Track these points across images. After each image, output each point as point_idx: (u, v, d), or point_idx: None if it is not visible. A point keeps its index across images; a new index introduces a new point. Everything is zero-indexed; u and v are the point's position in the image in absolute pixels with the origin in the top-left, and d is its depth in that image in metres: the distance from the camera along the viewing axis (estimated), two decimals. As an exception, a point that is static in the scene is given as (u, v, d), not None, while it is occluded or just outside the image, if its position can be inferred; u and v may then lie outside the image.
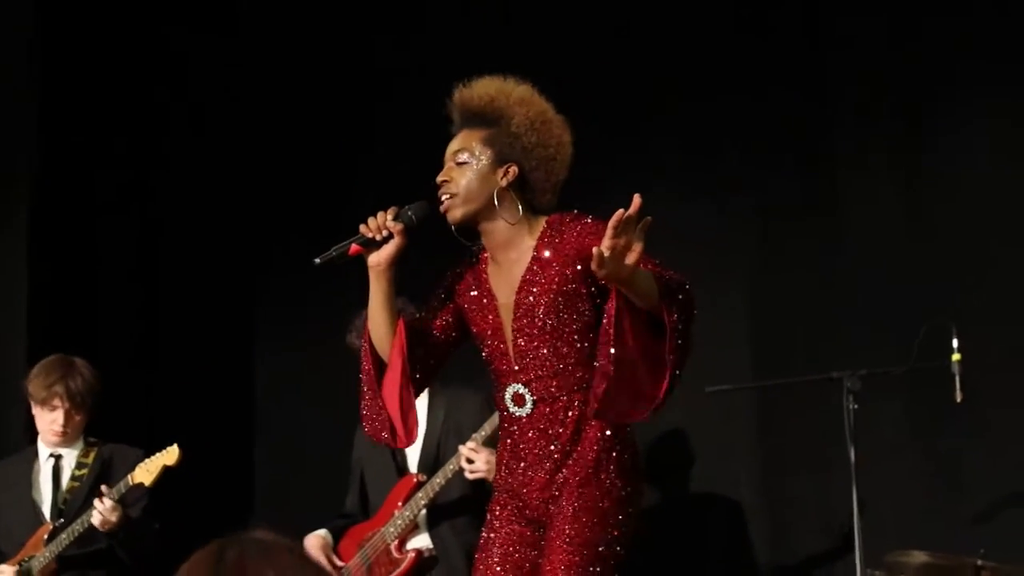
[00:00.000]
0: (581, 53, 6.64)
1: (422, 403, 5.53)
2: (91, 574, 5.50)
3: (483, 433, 5.33)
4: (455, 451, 5.38)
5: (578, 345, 3.80)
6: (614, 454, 3.79)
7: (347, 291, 5.82)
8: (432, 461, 5.48)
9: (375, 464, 5.65)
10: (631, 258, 3.38)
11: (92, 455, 5.60)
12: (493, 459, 5.24)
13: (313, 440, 6.67)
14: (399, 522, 5.40)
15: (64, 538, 5.37)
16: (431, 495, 5.37)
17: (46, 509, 5.55)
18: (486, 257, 3.95)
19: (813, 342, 6.13)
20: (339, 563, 5.56)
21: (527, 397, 3.82)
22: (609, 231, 3.37)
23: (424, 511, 5.42)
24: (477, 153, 3.83)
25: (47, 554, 5.40)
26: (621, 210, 3.38)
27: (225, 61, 7.44)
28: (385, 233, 3.77)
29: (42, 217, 6.84)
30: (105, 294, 7.04)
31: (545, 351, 3.80)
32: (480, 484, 5.33)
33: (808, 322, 6.20)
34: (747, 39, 6.45)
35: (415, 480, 5.45)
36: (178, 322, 7.29)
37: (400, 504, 5.44)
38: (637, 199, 3.36)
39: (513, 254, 3.86)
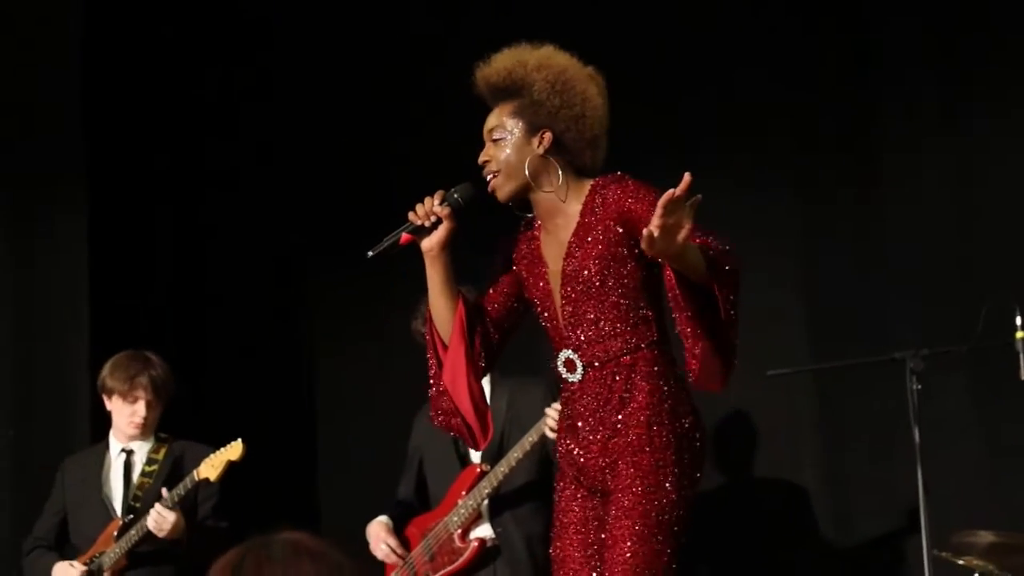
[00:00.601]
0: (616, 24, 6.49)
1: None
2: (162, 569, 5.48)
3: (533, 437, 5.36)
4: (517, 441, 5.34)
5: (624, 307, 3.76)
6: (666, 419, 3.73)
7: (399, 280, 5.61)
8: (495, 451, 5.44)
9: (436, 453, 5.64)
10: (681, 236, 3.33)
11: (163, 451, 5.60)
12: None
13: (374, 432, 6.59)
14: (462, 511, 5.38)
15: (133, 534, 5.36)
16: (495, 484, 5.35)
17: (117, 505, 5.54)
18: (539, 225, 3.91)
19: (872, 322, 6.03)
20: (402, 551, 5.54)
21: (577, 363, 3.78)
22: (659, 210, 3.32)
23: (487, 501, 5.41)
24: (509, 127, 3.81)
25: (117, 550, 5.39)
26: (671, 190, 3.33)
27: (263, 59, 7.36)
28: (433, 219, 3.74)
29: (99, 222, 6.76)
30: (158, 294, 6.99)
31: (592, 315, 3.77)
32: (545, 471, 5.28)
33: (866, 302, 6.10)
34: (786, 19, 6.33)
35: (479, 470, 5.43)
36: (230, 319, 7.19)
37: (464, 493, 5.41)
38: (687, 178, 3.31)
39: (560, 220, 3.82)
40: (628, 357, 3.74)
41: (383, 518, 5.59)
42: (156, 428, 5.65)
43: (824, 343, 6.15)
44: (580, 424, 3.82)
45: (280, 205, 7.36)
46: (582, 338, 3.78)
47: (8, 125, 6.81)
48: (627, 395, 3.75)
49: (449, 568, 5.43)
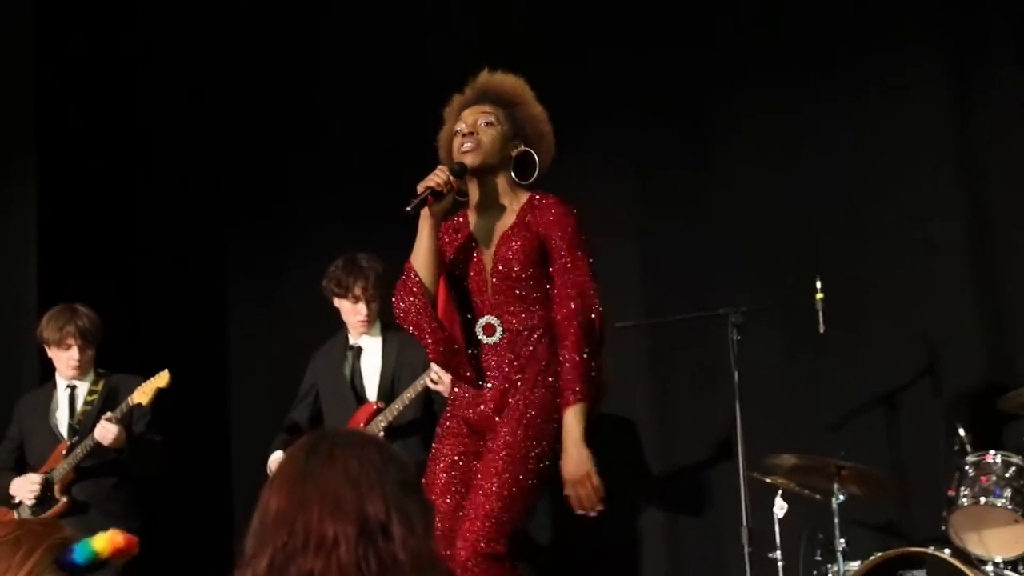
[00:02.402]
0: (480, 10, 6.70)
1: (377, 342, 5.77)
2: (103, 481, 5.72)
3: (425, 380, 5.46)
4: (407, 383, 5.51)
5: (540, 296, 4.08)
6: (551, 379, 4.03)
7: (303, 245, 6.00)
8: (388, 391, 5.63)
9: (332, 389, 5.80)
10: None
11: (101, 383, 5.86)
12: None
13: (281, 369, 6.55)
14: None
15: (79, 452, 5.63)
16: (389, 419, 5.51)
17: (63, 430, 5.80)
18: (466, 212, 4.23)
19: (699, 284, 6.19)
20: None
21: (497, 328, 4.09)
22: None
23: (382, 433, 5.51)
24: (501, 121, 4.15)
25: (65, 466, 5.65)
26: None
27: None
28: (449, 187, 4.06)
29: (48, 190, 6.85)
30: (97, 249, 7.01)
31: (518, 291, 4.08)
32: (428, 410, 5.50)
33: (696, 266, 6.27)
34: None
35: (375, 407, 5.60)
36: (160, 267, 7.31)
37: (362, 427, 5.52)
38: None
39: (497, 211, 4.16)
40: (540, 330, 4.08)
41: (279, 453, 5.64)
42: (94, 365, 5.87)
43: (657, 301, 6.34)
44: (483, 379, 4.10)
45: (207, 173, 7.35)
46: (505, 310, 4.09)
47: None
48: (531, 359, 4.07)
49: None
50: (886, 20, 6.12)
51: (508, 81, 4.25)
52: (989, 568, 5.08)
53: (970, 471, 5.15)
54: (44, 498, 5.70)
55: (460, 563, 3.88)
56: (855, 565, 5.14)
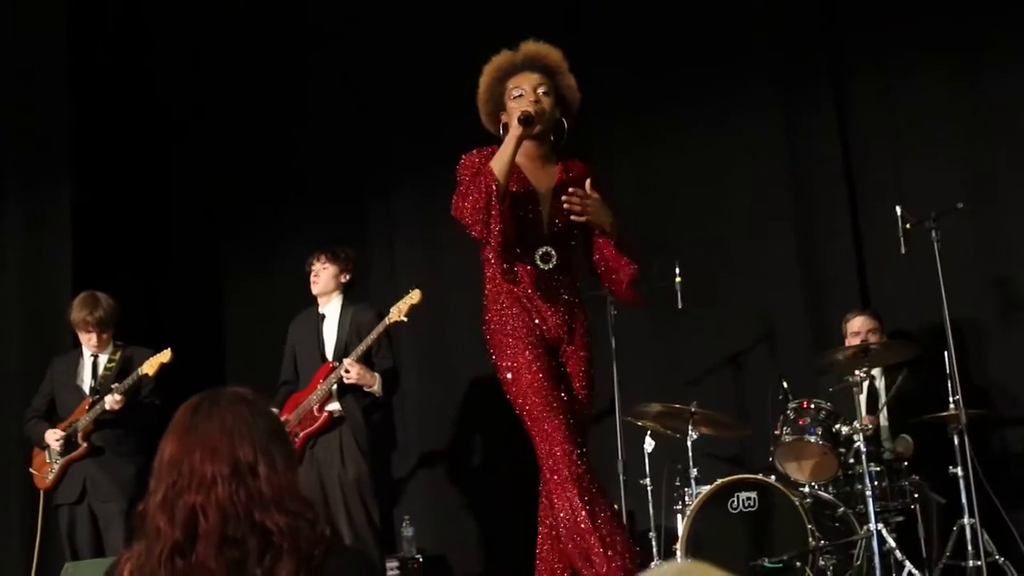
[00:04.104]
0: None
1: (336, 311, 6.04)
2: (117, 431, 5.96)
3: (360, 350, 5.76)
4: (356, 345, 5.78)
5: (577, 235, 4.24)
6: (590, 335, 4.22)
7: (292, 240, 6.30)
8: (342, 352, 5.91)
9: (307, 349, 6.04)
10: (591, 210, 4.05)
11: (119, 354, 6.11)
12: (364, 371, 5.73)
13: (269, 339, 6.65)
14: (320, 392, 5.83)
15: (98, 408, 5.88)
16: (340, 375, 5.78)
17: (87, 389, 6.06)
18: (493, 148, 4.16)
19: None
20: (284, 417, 5.80)
21: (553, 256, 4.17)
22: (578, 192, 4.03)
23: (335, 386, 5.82)
24: (551, 91, 4.18)
25: (86, 419, 5.91)
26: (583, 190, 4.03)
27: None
28: (537, 117, 4.07)
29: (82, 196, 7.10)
30: (126, 246, 7.37)
31: (569, 228, 4.18)
32: (371, 369, 5.77)
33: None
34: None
35: (331, 366, 5.87)
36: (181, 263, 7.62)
37: (321, 381, 5.85)
38: (588, 184, 4.06)
39: (543, 165, 4.23)
40: (574, 275, 4.22)
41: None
42: (112, 340, 6.10)
43: None
44: (545, 298, 4.14)
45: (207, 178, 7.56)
46: (560, 242, 4.17)
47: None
48: (571, 295, 4.21)
49: (310, 429, 5.86)
50: (729, 68, 6.46)
51: (553, 53, 4.21)
52: (805, 489, 5.54)
53: (791, 414, 5.62)
54: (69, 443, 5.94)
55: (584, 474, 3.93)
56: (705, 488, 5.47)
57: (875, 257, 6.35)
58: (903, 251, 5.52)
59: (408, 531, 6.51)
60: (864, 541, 5.28)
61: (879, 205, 6.15)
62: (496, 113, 4.24)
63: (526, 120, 4.01)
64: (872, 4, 6.43)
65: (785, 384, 5.72)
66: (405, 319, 5.74)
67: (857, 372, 5.47)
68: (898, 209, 5.54)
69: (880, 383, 6.04)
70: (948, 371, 5.42)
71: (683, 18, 6.54)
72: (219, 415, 2.23)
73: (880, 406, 5.88)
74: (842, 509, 5.46)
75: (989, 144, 6.25)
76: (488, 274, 4.21)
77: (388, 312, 5.81)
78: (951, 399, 5.41)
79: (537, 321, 4.10)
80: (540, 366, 4.04)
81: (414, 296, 5.72)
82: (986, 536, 5.25)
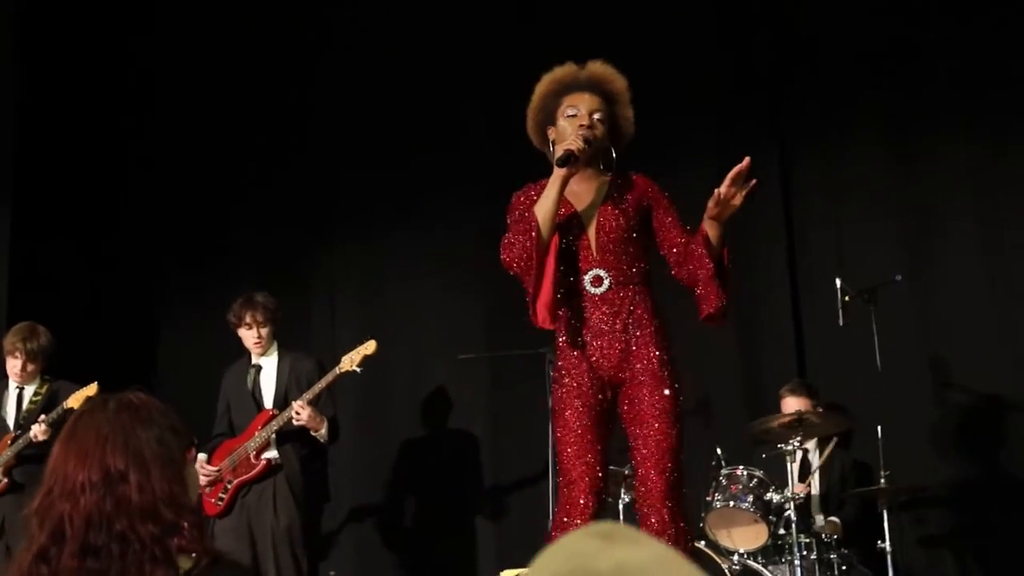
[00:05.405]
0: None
1: (273, 361, 6.01)
2: (39, 466, 5.53)
3: (308, 397, 5.71)
4: (298, 394, 5.75)
5: (641, 251, 4.03)
6: (664, 331, 4.00)
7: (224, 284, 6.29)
8: (282, 401, 5.86)
9: (241, 400, 5.97)
10: (737, 201, 3.79)
11: (45, 387, 6.04)
12: (314, 414, 5.67)
13: (199, 384, 6.60)
14: (258, 440, 5.78)
15: (21, 443, 5.81)
16: (281, 423, 5.75)
17: (11, 423, 5.98)
18: (543, 183, 3.98)
19: (525, 325, 6.51)
20: (213, 468, 5.82)
21: (605, 279, 3.98)
22: (727, 180, 3.75)
23: (274, 435, 5.80)
24: (606, 119, 4.03)
25: (8, 453, 5.82)
26: (738, 167, 3.76)
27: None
28: (580, 154, 3.92)
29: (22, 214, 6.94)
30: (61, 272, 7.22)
31: (623, 247, 3.98)
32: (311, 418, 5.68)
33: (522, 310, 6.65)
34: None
35: (271, 413, 5.84)
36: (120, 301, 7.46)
37: (260, 428, 5.81)
38: (747, 160, 3.76)
39: (589, 185, 4.04)
40: (640, 286, 3.99)
41: (201, 455, 5.76)
42: (40, 373, 6.03)
43: (495, 338, 6.61)
44: (597, 329, 3.94)
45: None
46: (612, 263, 3.96)
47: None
48: (639, 310, 3.97)
49: (246, 476, 5.80)
50: (676, 120, 6.46)
51: (619, 81, 4.08)
52: (735, 557, 5.58)
53: (723, 481, 5.65)
54: (-12, 478, 5.61)
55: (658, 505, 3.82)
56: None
57: (813, 327, 6.41)
58: (841, 323, 5.55)
59: (333, 585, 6.46)
60: (791, 610, 5.21)
61: (820, 276, 6.21)
62: (544, 126, 4.11)
63: (565, 160, 3.88)
64: (819, 76, 6.56)
65: (719, 451, 5.75)
66: (358, 369, 5.69)
67: (791, 441, 5.49)
68: (838, 281, 5.63)
69: (813, 455, 6.09)
70: (880, 445, 5.46)
71: (630, 69, 6.64)
72: (96, 423, 2.21)
73: (811, 476, 5.94)
74: (770, 579, 5.42)
75: (929, 220, 6.37)
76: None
77: (327, 361, 5.83)
78: (881, 474, 5.46)
79: (591, 355, 3.95)
80: (580, 404, 3.92)
81: (369, 347, 5.69)
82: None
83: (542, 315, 3.90)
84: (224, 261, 7.35)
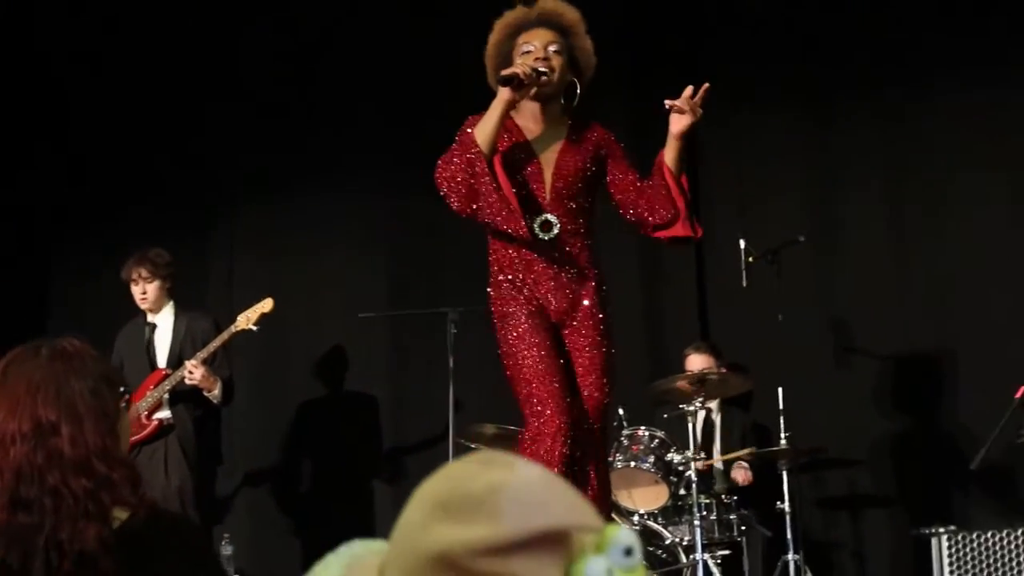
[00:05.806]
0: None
1: (167, 322, 5.96)
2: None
3: (202, 356, 5.69)
4: (191, 354, 5.73)
5: (590, 204, 4.01)
6: (604, 288, 4.03)
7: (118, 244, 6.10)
8: (176, 360, 5.82)
9: (134, 359, 5.91)
10: (697, 113, 3.85)
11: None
12: (207, 374, 5.64)
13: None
14: (149, 400, 5.72)
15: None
16: (174, 383, 5.72)
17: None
18: (512, 121, 3.98)
19: (430, 287, 6.54)
20: None
21: (555, 226, 3.93)
22: (686, 92, 3.86)
23: (167, 395, 5.76)
24: (563, 52, 3.97)
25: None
26: (691, 87, 3.87)
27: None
28: (528, 81, 3.88)
29: None
30: None
31: (576, 193, 3.96)
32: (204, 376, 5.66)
33: (428, 270, 6.62)
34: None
35: (163, 373, 5.80)
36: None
37: (152, 388, 5.76)
38: (706, 86, 3.89)
39: (548, 126, 4.00)
40: (584, 240, 3.99)
41: None
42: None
43: (399, 297, 6.67)
44: (546, 273, 3.92)
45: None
46: (563, 209, 3.93)
47: None
48: (585, 260, 3.97)
49: (137, 436, 5.66)
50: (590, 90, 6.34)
51: (570, 12, 4.03)
52: (635, 518, 5.61)
53: (625, 441, 5.66)
54: None
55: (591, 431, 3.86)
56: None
57: (717, 289, 6.44)
58: (744, 284, 5.54)
59: (227, 549, 6.35)
60: (689, 571, 5.31)
61: (724, 238, 6.20)
62: (502, 70, 3.98)
63: (507, 80, 3.80)
64: (732, 40, 6.56)
65: (621, 411, 5.72)
66: (255, 327, 5.67)
67: (694, 402, 5.48)
68: (742, 242, 5.63)
69: (716, 416, 6.13)
70: (781, 407, 5.49)
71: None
72: (28, 373, 2.16)
73: (714, 438, 5.99)
74: (669, 539, 5.50)
75: (832, 185, 6.42)
76: (490, 247, 4.02)
77: (224, 321, 5.76)
78: (782, 435, 5.49)
79: (538, 298, 3.91)
80: (538, 342, 3.87)
81: (266, 304, 5.69)
82: (809, 573, 5.34)
83: (515, 226, 3.84)
84: (128, 218, 7.24)
